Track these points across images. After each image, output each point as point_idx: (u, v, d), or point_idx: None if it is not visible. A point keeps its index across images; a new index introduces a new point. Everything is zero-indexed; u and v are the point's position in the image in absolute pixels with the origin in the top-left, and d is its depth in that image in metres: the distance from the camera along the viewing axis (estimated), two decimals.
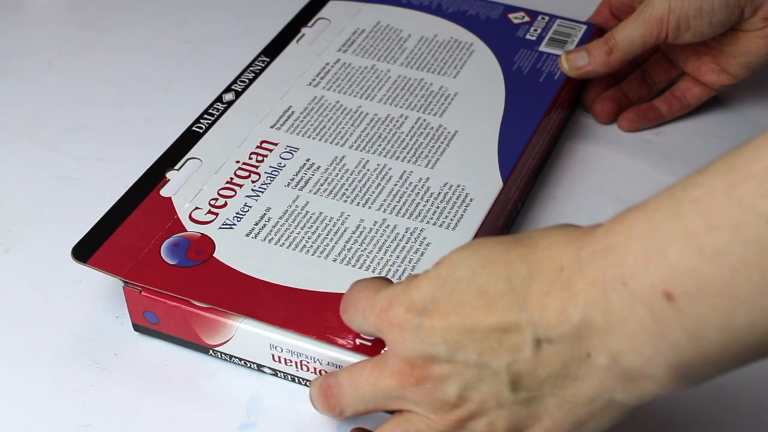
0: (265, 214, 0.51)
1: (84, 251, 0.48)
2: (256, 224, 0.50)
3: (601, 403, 0.35)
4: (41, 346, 0.50)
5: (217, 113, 0.57)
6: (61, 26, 0.74)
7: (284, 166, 0.54)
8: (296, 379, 0.47)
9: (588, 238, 0.35)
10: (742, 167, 0.30)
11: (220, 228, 0.50)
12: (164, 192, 0.52)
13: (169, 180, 0.53)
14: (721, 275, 0.30)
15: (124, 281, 0.47)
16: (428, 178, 0.53)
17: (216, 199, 0.51)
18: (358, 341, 0.44)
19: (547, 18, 0.65)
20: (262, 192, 0.52)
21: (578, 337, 0.34)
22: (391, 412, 0.41)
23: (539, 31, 0.64)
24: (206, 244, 0.49)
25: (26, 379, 0.48)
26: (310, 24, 0.65)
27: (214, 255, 0.48)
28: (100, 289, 0.52)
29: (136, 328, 0.49)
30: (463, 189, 0.52)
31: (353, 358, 0.44)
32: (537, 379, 0.36)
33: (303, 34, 0.64)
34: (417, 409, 0.39)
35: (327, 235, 0.49)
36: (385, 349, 0.42)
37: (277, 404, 0.46)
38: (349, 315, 0.42)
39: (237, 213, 0.51)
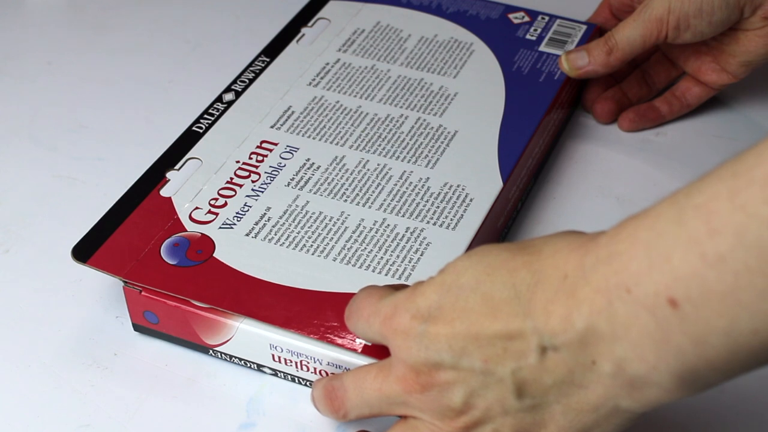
0: (265, 213, 0.51)
1: (84, 251, 0.48)
2: (256, 224, 0.50)
3: (607, 410, 0.36)
4: (41, 346, 0.50)
5: (217, 113, 0.57)
6: (61, 26, 0.74)
7: (284, 165, 0.54)
8: (296, 379, 0.47)
9: (592, 245, 0.35)
10: (744, 172, 0.30)
11: (220, 228, 0.50)
12: (164, 192, 0.52)
13: (169, 180, 0.53)
14: (724, 280, 0.30)
15: (124, 281, 0.47)
16: (428, 178, 0.53)
17: (216, 199, 0.51)
18: (358, 341, 0.44)
19: (547, 18, 0.65)
20: (262, 192, 0.52)
21: (583, 344, 0.34)
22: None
23: (539, 31, 0.64)
24: (206, 243, 0.49)
25: (26, 379, 0.48)
26: (310, 24, 0.65)
27: (214, 255, 0.48)
28: (100, 289, 0.52)
29: (136, 328, 0.49)
30: (463, 189, 0.52)
31: (353, 358, 0.44)
32: (542, 387, 0.36)
33: (303, 34, 0.64)
34: (422, 416, 0.39)
35: (327, 234, 0.49)
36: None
37: (277, 404, 0.46)
38: (353, 322, 0.42)
39: (237, 213, 0.51)
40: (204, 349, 0.48)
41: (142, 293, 0.47)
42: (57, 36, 0.73)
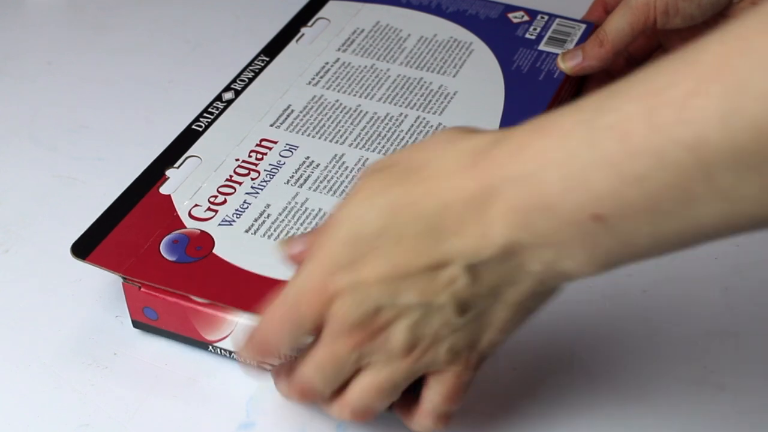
0: (264, 210, 0.51)
1: (83, 248, 0.48)
2: (256, 220, 0.50)
3: (542, 293, 0.37)
4: (41, 346, 0.50)
5: (217, 112, 0.57)
6: (61, 26, 0.74)
7: (284, 163, 0.54)
8: None
9: (488, 164, 0.35)
10: (659, 93, 0.31)
11: (219, 225, 0.50)
12: (164, 189, 0.52)
13: (168, 178, 0.53)
14: (645, 196, 0.31)
15: (123, 277, 0.47)
16: None
17: (215, 197, 0.51)
18: None
19: (546, 17, 0.65)
20: (262, 189, 0.52)
21: (508, 254, 0.35)
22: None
23: (538, 30, 0.64)
24: (206, 240, 0.49)
25: (26, 379, 0.48)
26: (309, 24, 0.65)
27: (213, 251, 0.48)
28: (100, 289, 0.52)
29: (136, 324, 0.49)
30: None
31: None
32: (480, 296, 0.37)
33: (302, 34, 0.64)
34: (378, 363, 0.39)
35: None
36: None
37: (277, 404, 0.46)
38: (276, 340, 0.40)
39: (236, 210, 0.51)
40: (203, 345, 0.48)
41: (141, 289, 0.47)
42: (57, 36, 0.73)
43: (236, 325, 0.46)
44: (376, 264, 0.37)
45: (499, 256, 0.35)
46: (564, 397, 0.46)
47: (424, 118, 0.57)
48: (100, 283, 0.52)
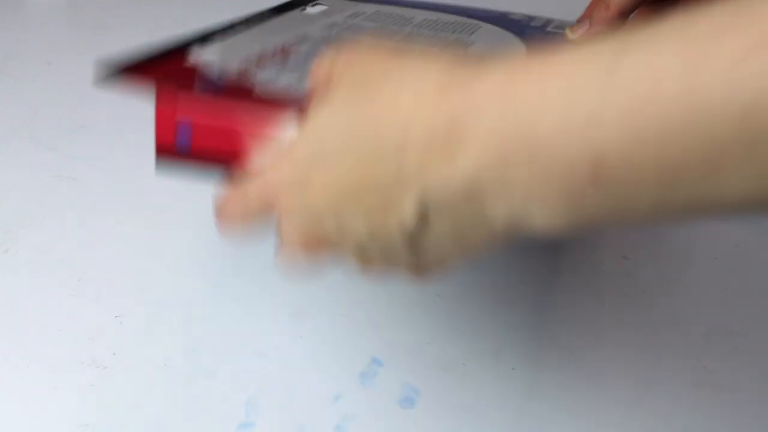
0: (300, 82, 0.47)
1: (112, 74, 0.44)
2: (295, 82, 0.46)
3: (497, 239, 0.33)
4: (41, 346, 0.50)
5: (226, 32, 0.54)
6: (61, 26, 0.74)
7: (314, 55, 0.50)
8: None
9: (461, 93, 0.30)
10: (706, 41, 0.26)
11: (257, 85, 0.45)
12: (189, 62, 0.47)
13: (194, 51, 0.49)
14: (661, 160, 0.26)
15: (156, 83, 0.41)
16: None
17: (246, 70, 0.47)
18: None
19: (544, 20, 0.66)
20: (296, 68, 0.49)
21: (470, 195, 0.31)
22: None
23: (540, 23, 0.65)
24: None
25: (26, 379, 0.48)
26: (310, 5, 0.65)
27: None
28: (100, 289, 0.52)
29: (160, 163, 0.43)
30: None
31: None
32: (429, 238, 0.34)
33: (305, 8, 0.64)
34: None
35: None
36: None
37: (276, 404, 0.46)
38: (231, 212, 0.39)
39: (271, 77, 0.46)
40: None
41: (179, 94, 0.41)
42: (57, 36, 0.73)
43: (283, 138, 0.40)
44: (329, 184, 0.35)
45: (458, 195, 0.31)
46: (564, 397, 0.47)
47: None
48: (101, 283, 0.52)
